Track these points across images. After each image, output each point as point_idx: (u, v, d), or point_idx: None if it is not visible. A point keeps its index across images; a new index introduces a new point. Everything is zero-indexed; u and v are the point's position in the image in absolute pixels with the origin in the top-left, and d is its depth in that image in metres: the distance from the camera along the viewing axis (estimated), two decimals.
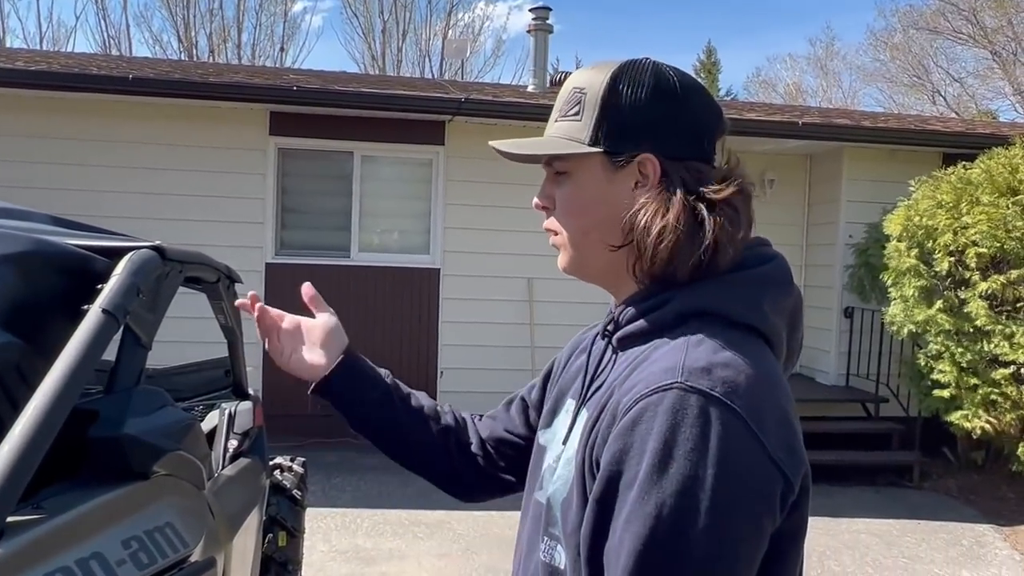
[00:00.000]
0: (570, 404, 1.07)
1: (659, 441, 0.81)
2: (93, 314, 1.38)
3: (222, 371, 3.18)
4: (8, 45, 19.84)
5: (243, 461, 2.58)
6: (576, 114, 0.99)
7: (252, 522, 2.41)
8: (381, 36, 23.73)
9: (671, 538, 0.79)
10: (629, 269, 0.98)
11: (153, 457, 1.44)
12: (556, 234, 1.05)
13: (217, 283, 2.35)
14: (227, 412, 2.68)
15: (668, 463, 0.80)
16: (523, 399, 1.31)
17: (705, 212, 0.93)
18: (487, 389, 7.39)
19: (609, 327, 1.02)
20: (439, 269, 7.39)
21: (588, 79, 1.00)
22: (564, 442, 1.01)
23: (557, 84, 10.87)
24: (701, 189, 0.95)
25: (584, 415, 0.97)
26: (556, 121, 1.03)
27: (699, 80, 1.03)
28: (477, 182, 7.37)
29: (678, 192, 0.94)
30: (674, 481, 0.79)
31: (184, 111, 6.89)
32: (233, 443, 2.63)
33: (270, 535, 3.28)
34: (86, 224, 2.04)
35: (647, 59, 0.99)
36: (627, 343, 0.98)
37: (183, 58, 20.69)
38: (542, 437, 1.12)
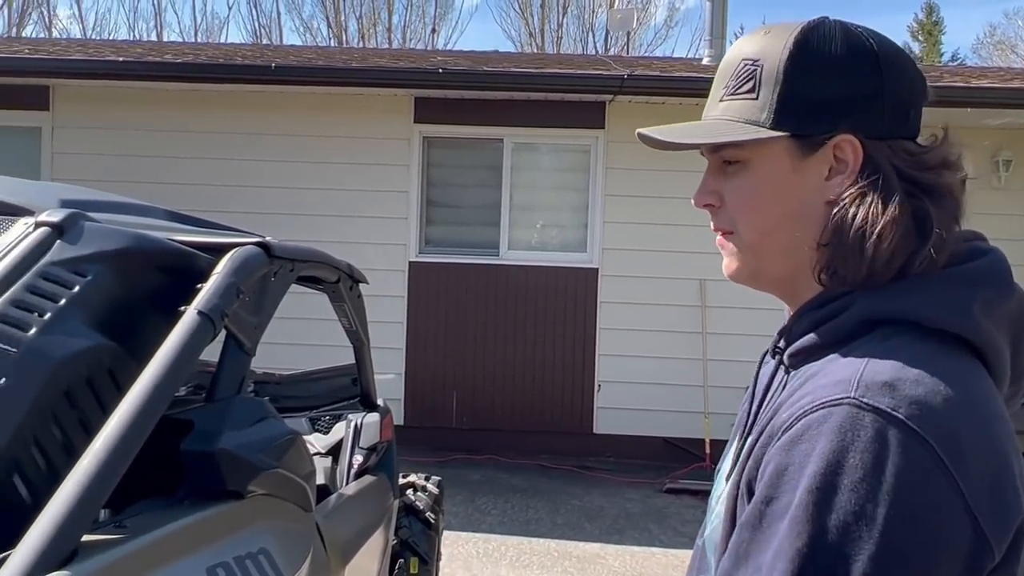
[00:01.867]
0: (733, 444, 1.01)
1: (821, 465, 0.74)
2: (188, 316, 1.40)
3: (350, 379, 3.24)
4: (165, 39, 21.80)
5: (367, 479, 2.61)
6: (751, 91, 0.91)
7: (375, 546, 2.43)
8: (540, 11, 24.01)
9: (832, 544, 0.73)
10: (815, 274, 0.89)
11: (250, 475, 1.44)
12: (727, 234, 0.97)
13: (338, 283, 2.38)
14: (353, 424, 2.72)
15: (830, 493, 0.73)
16: None
17: (928, 203, 0.85)
18: (650, 406, 7.22)
19: (780, 343, 0.94)
20: (597, 269, 7.28)
21: (762, 48, 0.92)
22: (727, 478, 0.95)
23: None
24: (915, 174, 0.87)
25: (747, 443, 0.91)
26: (722, 100, 0.95)
27: (895, 43, 0.92)
28: (641, 170, 7.20)
29: (892, 179, 0.86)
30: (835, 516, 0.73)
31: (327, 100, 7.21)
32: (358, 458, 2.67)
33: (400, 560, 3.31)
34: (202, 219, 2.13)
35: (831, 20, 0.91)
36: (800, 359, 0.89)
37: (332, 44, 21.88)
38: (715, 478, 1.06)
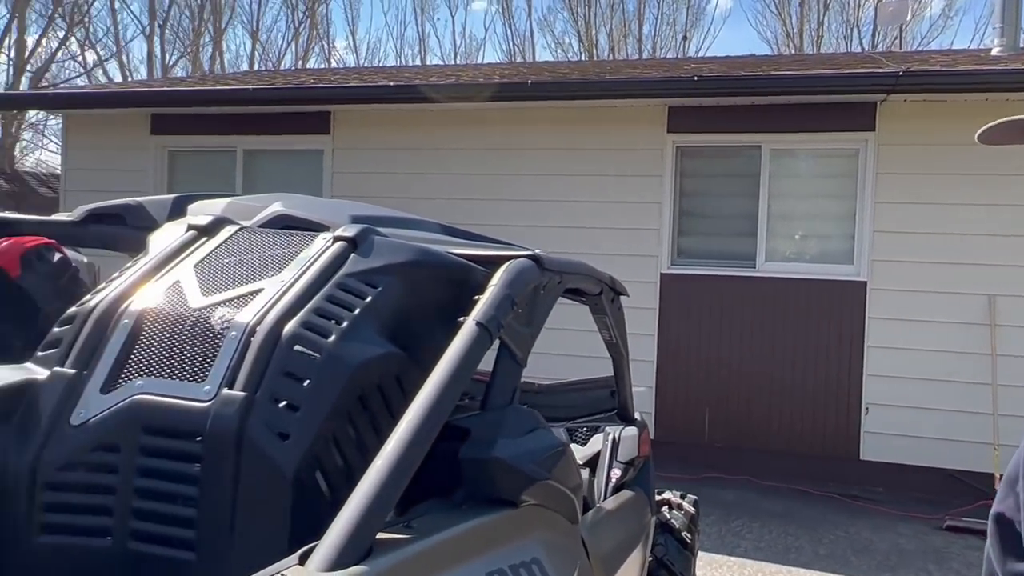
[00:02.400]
0: None
1: None
2: (467, 327, 1.47)
3: (608, 391, 3.25)
4: (428, 63, 23.35)
5: (626, 494, 2.60)
6: None
7: (633, 563, 2.41)
8: (799, 10, 22.99)
9: None
10: None
11: (523, 484, 1.48)
12: None
13: (600, 295, 2.40)
14: (611, 437, 2.73)
15: None
16: None
17: None
18: (926, 434, 6.64)
19: None
20: (866, 282, 6.81)
21: None
22: None
23: None
24: None
25: None
26: None
27: None
28: (918, 174, 6.66)
29: None
30: None
31: (580, 113, 7.35)
32: (616, 472, 2.67)
33: None
34: (471, 232, 2.23)
35: None
36: None
37: (583, 59, 22.33)
38: None
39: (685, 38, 22.94)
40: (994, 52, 7.89)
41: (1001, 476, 5.35)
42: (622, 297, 2.63)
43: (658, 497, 3.56)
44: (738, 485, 6.79)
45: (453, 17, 40.94)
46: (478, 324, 1.47)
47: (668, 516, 3.44)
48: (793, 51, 21.76)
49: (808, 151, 7.09)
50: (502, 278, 1.59)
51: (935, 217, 6.60)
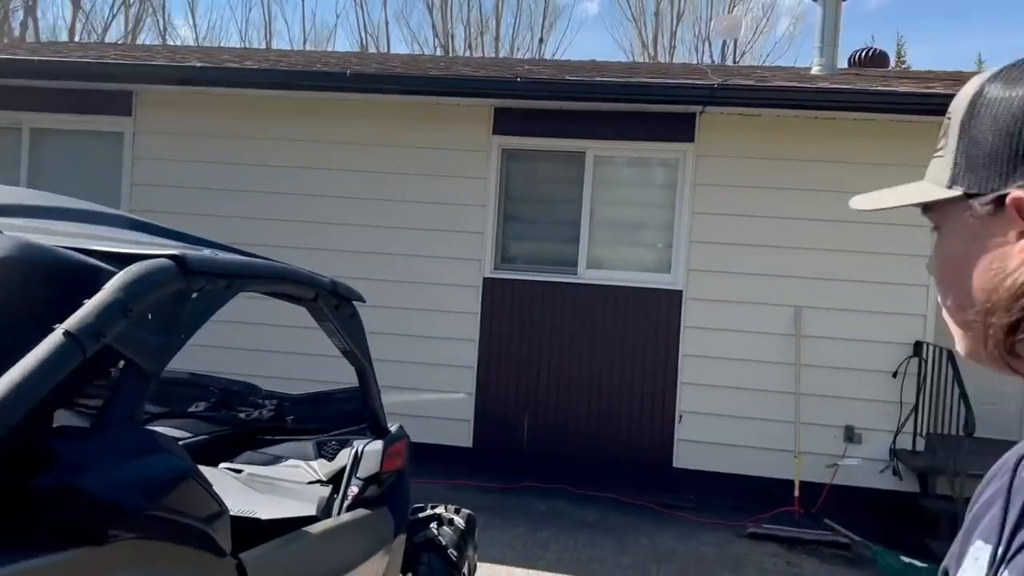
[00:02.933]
0: (980, 548, 0.90)
1: None
2: (52, 336, 1.24)
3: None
4: (274, 47, 22.55)
5: (359, 512, 2.41)
6: (940, 149, 0.86)
7: None
8: (654, 19, 23.67)
9: None
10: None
11: (111, 517, 1.26)
12: (943, 301, 0.89)
13: (316, 300, 2.19)
14: (353, 452, 2.53)
15: None
16: None
17: None
18: (736, 441, 6.80)
19: None
20: (682, 291, 6.93)
21: (955, 104, 0.86)
22: None
23: (858, 63, 9.88)
24: None
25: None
26: (931, 159, 0.88)
27: None
28: (734, 187, 6.83)
29: None
30: None
31: (405, 109, 7.13)
32: (353, 490, 2.48)
33: None
34: (175, 231, 1.98)
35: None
36: None
37: (439, 54, 22.15)
38: None
39: (541, 40, 23.18)
40: (813, 71, 8.24)
41: (801, 484, 5.46)
42: (356, 303, 2.42)
43: (428, 512, 3.39)
44: (555, 493, 6.75)
45: (303, 5, 39.85)
46: (66, 333, 1.24)
47: (436, 533, 3.27)
48: (647, 60, 22.36)
49: (631, 159, 7.15)
50: (115, 281, 1.36)
51: (748, 229, 6.78)
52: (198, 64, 7.13)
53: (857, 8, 37.19)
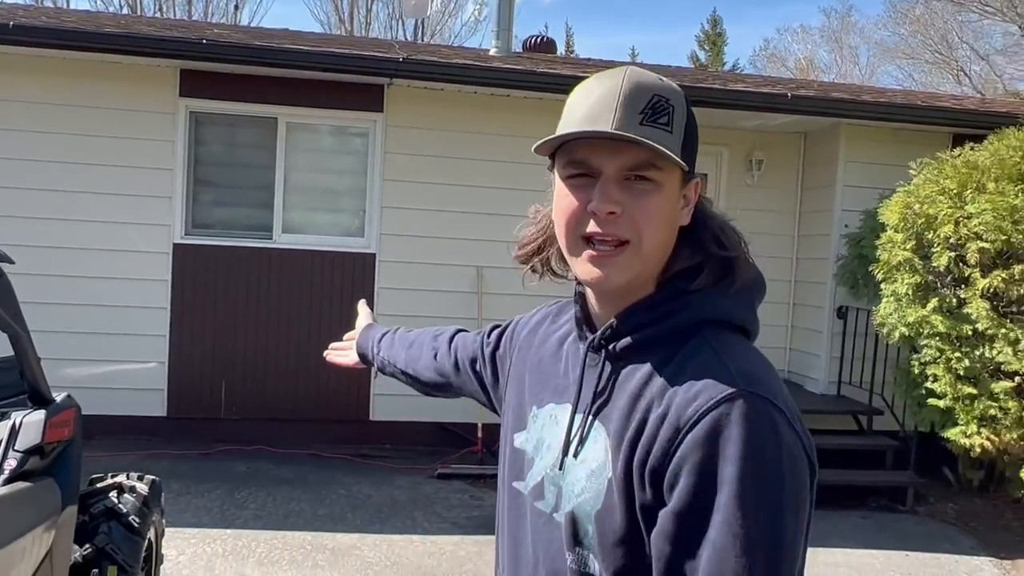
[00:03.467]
0: (558, 410, 1.14)
1: (742, 447, 0.91)
2: None
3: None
4: None
5: (17, 485, 2.24)
6: (667, 124, 1.02)
7: (12, 558, 2.08)
8: None
9: (767, 535, 0.90)
10: (655, 281, 1.08)
11: None
12: (622, 244, 1.03)
13: None
14: (11, 424, 2.34)
15: (758, 466, 0.91)
16: (473, 354, 1.53)
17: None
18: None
19: (605, 334, 1.08)
20: (375, 254, 7.05)
21: (668, 92, 1.04)
22: (574, 454, 1.07)
23: (531, 48, 10.51)
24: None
25: (601, 429, 1.04)
26: (643, 124, 1.01)
27: None
28: (420, 155, 7.03)
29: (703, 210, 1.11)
30: (765, 484, 0.91)
31: (84, 67, 6.52)
32: (11, 463, 2.29)
33: (95, 570, 2.95)
34: None
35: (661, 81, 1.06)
36: (632, 352, 1.06)
37: (125, 13, 20.20)
38: (518, 439, 1.20)
39: (237, 7, 21.96)
40: (491, 52, 8.64)
41: (483, 426, 5.77)
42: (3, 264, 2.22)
43: (107, 482, 3.22)
44: (254, 455, 6.63)
45: None
46: None
47: (116, 501, 3.12)
48: (344, 34, 22.02)
49: (323, 127, 7.12)
50: None
51: (434, 195, 7.03)
52: None
53: (534, 2, 39.42)
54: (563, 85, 6.80)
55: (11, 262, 2.18)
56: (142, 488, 3.26)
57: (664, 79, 1.05)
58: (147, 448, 6.54)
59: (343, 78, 6.79)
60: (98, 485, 3.20)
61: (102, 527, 3.02)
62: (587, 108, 1.03)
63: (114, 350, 6.70)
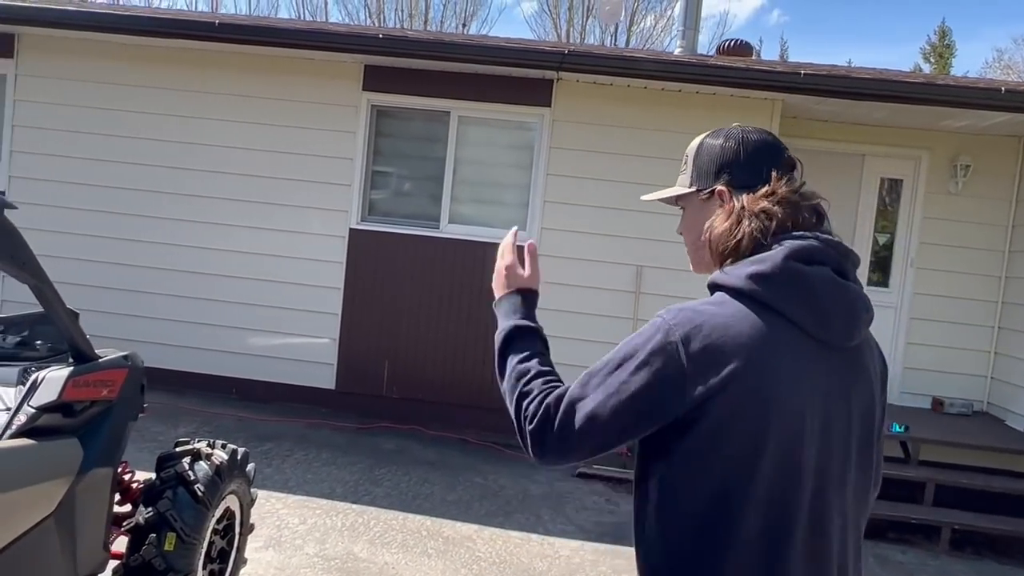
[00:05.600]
0: None
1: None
2: None
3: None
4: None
5: (17, 442, 2.00)
6: (684, 168, 1.47)
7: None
8: (567, 13, 23.13)
9: (615, 355, 1.29)
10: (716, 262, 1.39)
11: None
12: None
13: None
14: (32, 380, 2.12)
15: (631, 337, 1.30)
16: None
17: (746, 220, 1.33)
18: None
19: None
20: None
21: (689, 147, 1.48)
22: None
23: (725, 52, 9.61)
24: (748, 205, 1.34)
25: None
26: (679, 176, 1.48)
27: (765, 132, 1.44)
28: (585, 151, 6.51)
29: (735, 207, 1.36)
30: (627, 342, 1.29)
31: (278, 63, 6.62)
32: (21, 419, 2.06)
33: (153, 535, 2.72)
34: None
35: (731, 126, 1.45)
36: None
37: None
38: None
39: (464, 25, 22.43)
40: (676, 52, 7.93)
41: None
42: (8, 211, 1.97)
43: (182, 448, 3.00)
44: (406, 434, 6.43)
45: None
46: None
47: (187, 468, 2.88)
48: None
49: (492, 120, 6.77)
50: None
51: (596, 192, 6.48)
52: (73, 8, 6.46)
53: (758, 21, 37.38)
54: (735, 79, 6.00)
55: (13, 207, 1.94)
56: (219, 456, 3.00)
57: (699, 136, 1.46)
58: (312, 417, 6.52)
59: (513, 72, 6.41)
60: (176, 450, 2.99)
61: (167, 492, 2.79)
62: None
63: (293, 324, 6.76)
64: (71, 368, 2.19)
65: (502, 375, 1.42)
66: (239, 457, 3.16)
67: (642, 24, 22.82)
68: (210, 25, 6.11)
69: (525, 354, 1.42)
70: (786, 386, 1.20)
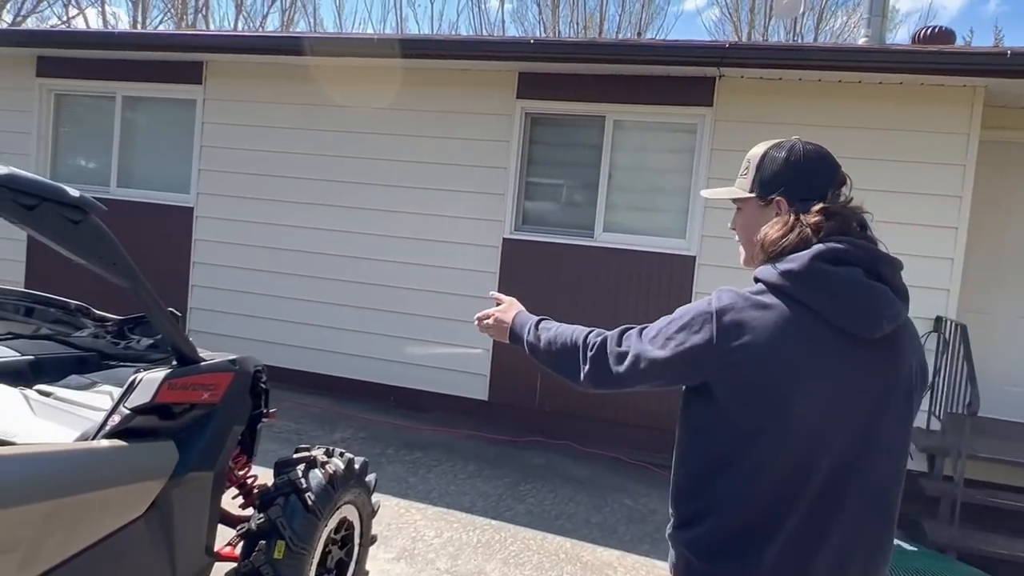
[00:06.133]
0: None
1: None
2: None
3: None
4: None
5: (108, 442, 1.98)
6: (745, 174, 1.65)
7: (79, 510, 1.81)
8: (748, 15, 22.12)
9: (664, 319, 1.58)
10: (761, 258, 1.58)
11: None
12: (738, 242, 1.69)
13: (34, 210, 1.73)
14: (129, 381, 2.11)
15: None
16: None
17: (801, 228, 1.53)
18: None
19: None
20: (695, 257, 6.18)
21: (752, 155, 1.65)
22: None
23: (921, 40, 8.65)
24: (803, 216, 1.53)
25: None
26: (738, 178, 1.68)
27: (822, 148, 1.61)
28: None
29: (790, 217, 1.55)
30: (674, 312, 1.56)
31: (433, 75, 6.67)
32: (116, 419, 2.05)
33: (262, 542, 2.67)
34: None
35: (793, 140, 1.61)
36: None
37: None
38: None
39: (639, 34, 22.02)
40: (860, 41, 7.21)
41: None
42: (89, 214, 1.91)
43: (301, 455, 2.95)
44: (558, 449, 6.21)
45: (432, 3, 39.50)
46: None
47: (300, 475, 2.82)
48: None
49: (649, 124, 6.42)
50: None
51: None
52: (258, 35, 6.85)
53: (973, 10, 33.87)
54: (925, 65, 5.29)
55: (101, 208, 1.91)
56: (334, 465, 2.92)
57: (764, 144, 1.64)
58: (464, 428, 6.47)
59: (670, 71, 6.05)
60: (293, 456, 2.94)
61: (279, 499, 2.74)
62: None
63: (447, 334, 6.76)
64: (167, 370, 2.16)
65: (551, 345, 1.79)
66: (357, 467, 3.07)
67: (832, 22, 21.41)
68: (368, 41, 6.26)
69: (560, 325, 1.85)
70: (799, 364, 1.40)
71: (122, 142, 7.71)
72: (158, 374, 2.13)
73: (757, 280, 1.49)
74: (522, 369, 6.59)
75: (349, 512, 3.07)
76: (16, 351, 2.47)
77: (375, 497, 3.31)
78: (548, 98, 6.50)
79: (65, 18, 22.72)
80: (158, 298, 2.13)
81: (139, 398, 2.08)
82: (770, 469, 1.40)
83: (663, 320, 1.55)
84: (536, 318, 1.88)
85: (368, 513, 3.22)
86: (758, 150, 1.61)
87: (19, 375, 2.36)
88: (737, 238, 1.67)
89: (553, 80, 6.43)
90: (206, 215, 7.41)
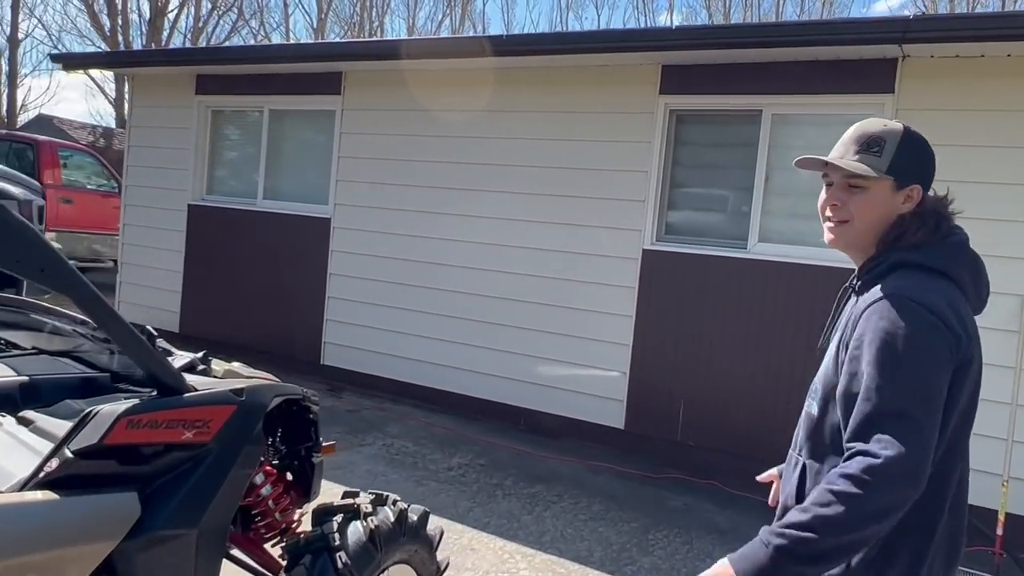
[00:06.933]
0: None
1: (881, 321, 1.47)
2: None
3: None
4: None
5: (31, 495, 1.54)
6: (877, 153, 1.61)
7: None
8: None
9: (888, 358, 1.44)
10: (877, 245, 1.64)
11: None
12: (842, 223, 1.65)
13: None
14: (81, 416, 1.68)
15: (887, 332, 1.45)
16: None
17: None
18: None
19: (855, 282, 1.68)
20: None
21: (886, 133, 1.64)
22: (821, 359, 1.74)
23: None
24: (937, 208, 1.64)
25: (835, 336, 1.66)
26: (856, 154, 1.63)
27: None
28: (946, 145, 4.88)
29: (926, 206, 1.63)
30: (892, 349, 1.44)
31: (569, 74, 6.10)
32: (52, 464, 1.61)
33: None
34: None
35: (912, 128, 1.66)
36: (863, 288, 1.61)
37: None
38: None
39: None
40: None
41: (1008, 516, 3.61)
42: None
43: (339, 503, 2.44)
44: (702, 490, 5.39)
45: (599, 15, 38.92)
46: None
47: (333, 529, 2.31)
48: None
49: (814, 117, 5.49)
50: None
51: (969, 198, 4.82)
52: (390, 40, 6.61)
53: None
54: None
55: (14, 199, 1.49)
56: (382, 518, 2.39)
57: (888, 124, 1.65)
58: (595, 458, 5.79)
59: (840, 53, 5.11)
60: (335, 504, 2.43)
61: (304, 559, 2.24)
62: (837, 143, 1.68)
63: (580, 354, 6.13)
64: (128, 404, 1.71)
65: (826, 530, 1.43)
66: (414, 519, 2.51)
67: None
68: (497, 39, 5.79)
69: (808, 515, 1.48)
70: (976, 344, 1.53)
71: (268, 155, 7.76)
72: (114, 408, 1.69)
73: (901, 264, 1.56)
74: (663, 394, 5.84)
75: (403, 574, 2.52)
76: (13, 369, 2.15)
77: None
78: (696, 92, 5.74)
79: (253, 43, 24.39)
80: (117, 312, 1.69)
81: (85, 439, 1.64)
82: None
83: (878, 365, 1.45)
84: (759, 539, 1.52)
85: (431, 574, 2.65)
86: (892, 128, 1.64)
87: (6, 398, 2.02)
88: (833, 215, 1.66)
89: (700, 72, 5.66)
90: (342, 226, 7.25)
